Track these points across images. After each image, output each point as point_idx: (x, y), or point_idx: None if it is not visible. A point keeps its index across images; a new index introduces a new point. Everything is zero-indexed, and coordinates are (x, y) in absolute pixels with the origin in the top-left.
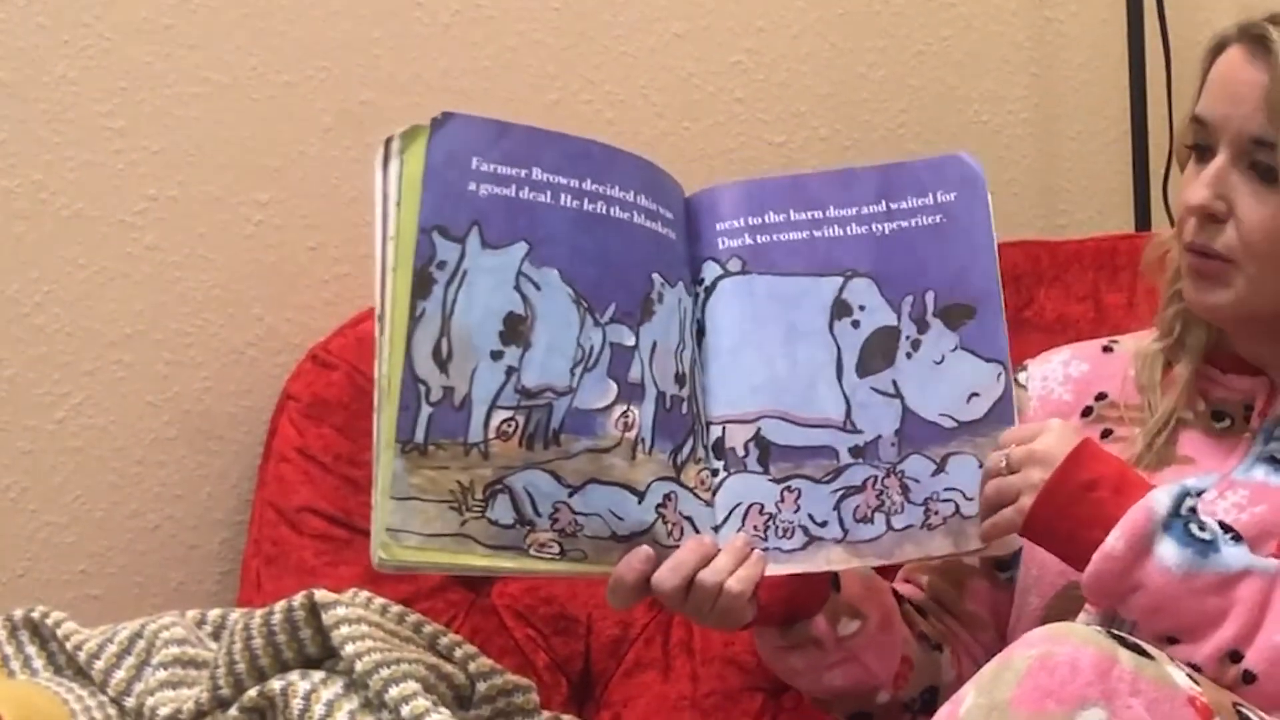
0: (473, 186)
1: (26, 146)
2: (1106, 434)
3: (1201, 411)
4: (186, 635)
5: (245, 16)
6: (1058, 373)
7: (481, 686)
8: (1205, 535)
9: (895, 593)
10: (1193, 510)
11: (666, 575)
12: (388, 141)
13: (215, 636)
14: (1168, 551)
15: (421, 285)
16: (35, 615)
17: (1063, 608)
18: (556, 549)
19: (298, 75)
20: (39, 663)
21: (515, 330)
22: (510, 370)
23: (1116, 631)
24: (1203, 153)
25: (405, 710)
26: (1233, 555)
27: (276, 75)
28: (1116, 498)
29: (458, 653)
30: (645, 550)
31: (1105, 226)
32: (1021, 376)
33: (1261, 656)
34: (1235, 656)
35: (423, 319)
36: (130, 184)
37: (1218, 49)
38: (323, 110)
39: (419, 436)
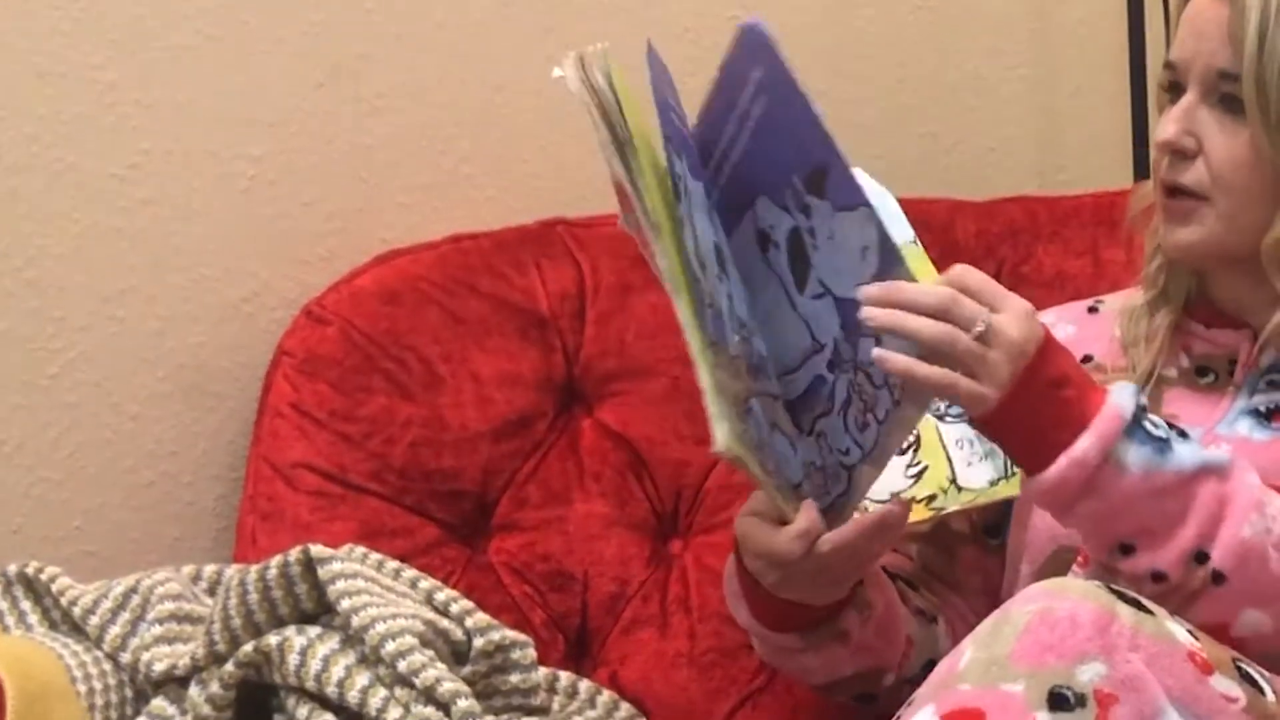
0: (672, 116)
1: (18, 100)
2: None
3: (1185, 368)
4: (182, 591)
5: None
6: None
7: (478, 642)
8: (1160, 433)
9: (886, 571)
10: (1144, 408)
11: (790, 544)
12: (582, 55)
13: (211, 592)
14: (1129, 453)
15: (675, 194)
16: (30, 571)
17: (1053, 571)
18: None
19: (290, 29)
20: (34, 618)
21: (722, 261)
22: (730, 297)
23: (1115, 587)
24: (1175, 94)
25: (402, 665)
26: (1187, 453)
27: (269, 29)
28: (1082, 398)
29: (454, 608)
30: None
31: (1104, 182)
32: None
33: (1228, 553)
34: (1201, 557)
35: (682, 224)
36: (123, 138)
37: None
38: (316, 65)
39: (711, 334)
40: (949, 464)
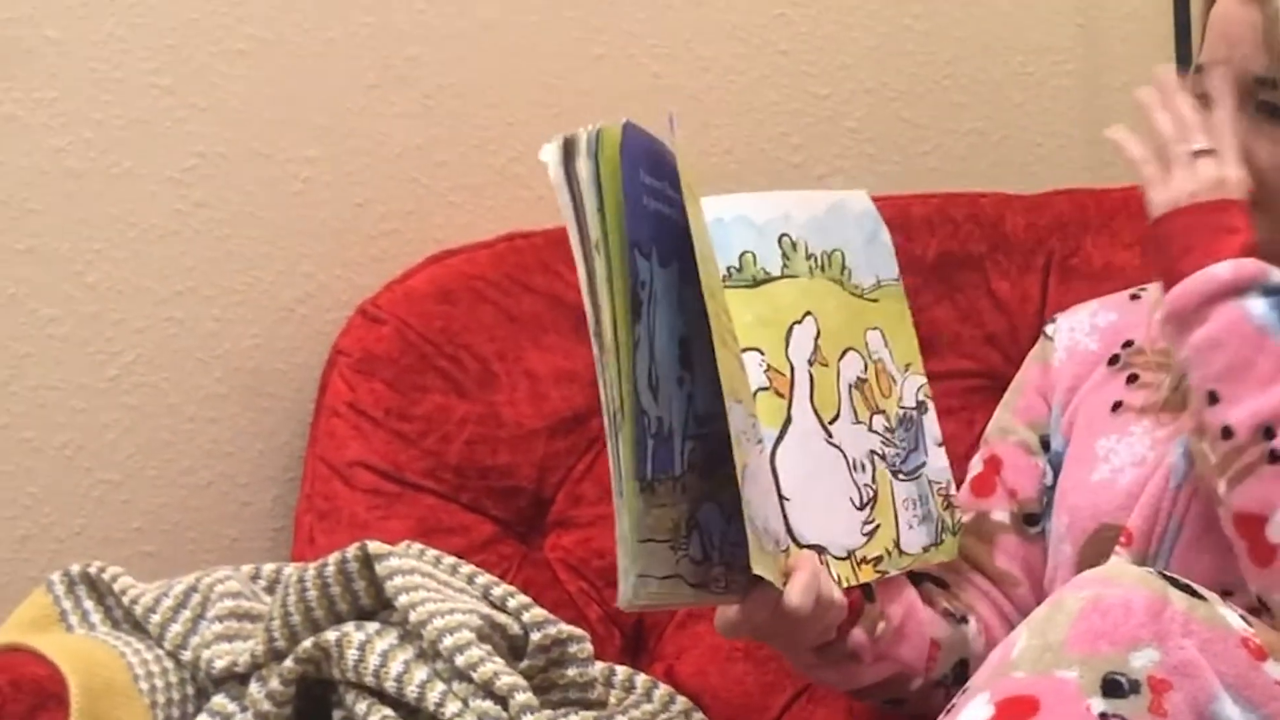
0: (646, 201)
1: (76, 105)
2: (1133, 379)
3: None
4: (241, 589)
5: None
6: (1084, 324)
7: (535, 636)
8: None
9: (912, 574)
10: None
11: (801, 597)
12: (570, 140)
13: (269, 590)
14: (1255, 305)
15: (635, 308)
16: (92, 571)
17: (1096, 550)
18: (723, 584)
19: (342, 31)
20: (96, 617)
21: (688, 355)
22: (690, 396)
23: (1167, 573)
24: (1204, 99)
25: (460, 660)
26: None
27: (322, 31)
28: (1241, 246)
29: (511, 602)
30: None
31: None
32: (1049, 329)
33: None
34: (1269, 433)
35: (639, 345)
36: (178, 141)
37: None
38: (368, 66)
39: (649, 474)
40: (895, 524)
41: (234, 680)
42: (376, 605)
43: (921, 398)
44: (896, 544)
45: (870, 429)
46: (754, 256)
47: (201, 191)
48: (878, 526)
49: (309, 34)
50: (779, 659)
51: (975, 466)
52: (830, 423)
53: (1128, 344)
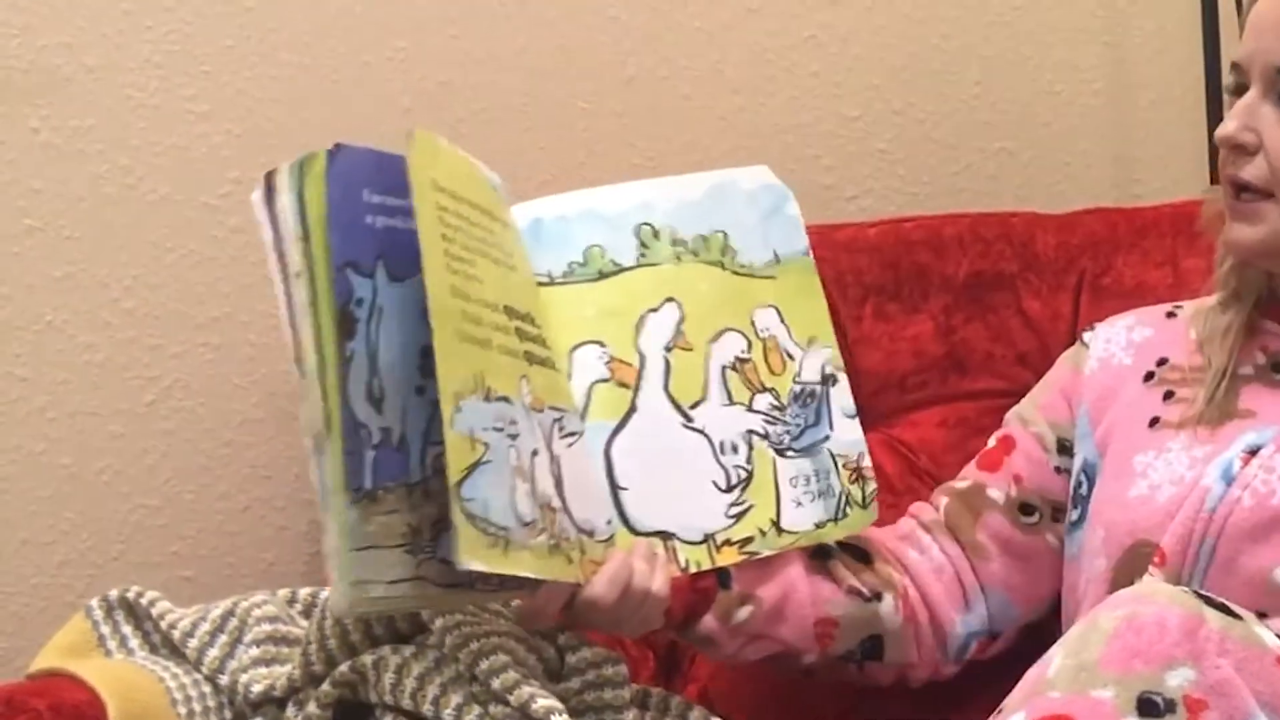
0: (370, 219)
1: (113, 132)
2: (1169, 395)
3: (1261, 365)
4: (278, 613)
5: None
6: (1120, 337)
7: (571, 659)
8: None
9: (825, 548)
10: None
11: (606, 587)
12: (270, 175)
13: (306, 614)
14: None
15: (346, 325)
16: (130, 596)
17: (1131, 566)
18: (496, 581)
19: (376, 56)
20: (135, 642)
21: (430, 363)
22: (434, 403)
23: (1202, 592)
24: (1240, 92)
25: (496, 683)
26: None
27: (356, 56)
28: None
29: None
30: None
31: (1181, 193)
32: (1087, 335)
33: None
34: None
35: (353, 360)
36: (214, 167)
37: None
38: (401, 91)
39: (368, 483)
40: (776, 503)
41: (271, 704)
42: (413, 628)
43: (830, 370)
44: (775, 523)
45: (750, 409)
46: (601, 249)
47: (238, 217)
48: (749, 508)
49: (344, 59)
50: (811, 682)
51: (988, 444)
52: (692, 407)
53: (1162, 361)
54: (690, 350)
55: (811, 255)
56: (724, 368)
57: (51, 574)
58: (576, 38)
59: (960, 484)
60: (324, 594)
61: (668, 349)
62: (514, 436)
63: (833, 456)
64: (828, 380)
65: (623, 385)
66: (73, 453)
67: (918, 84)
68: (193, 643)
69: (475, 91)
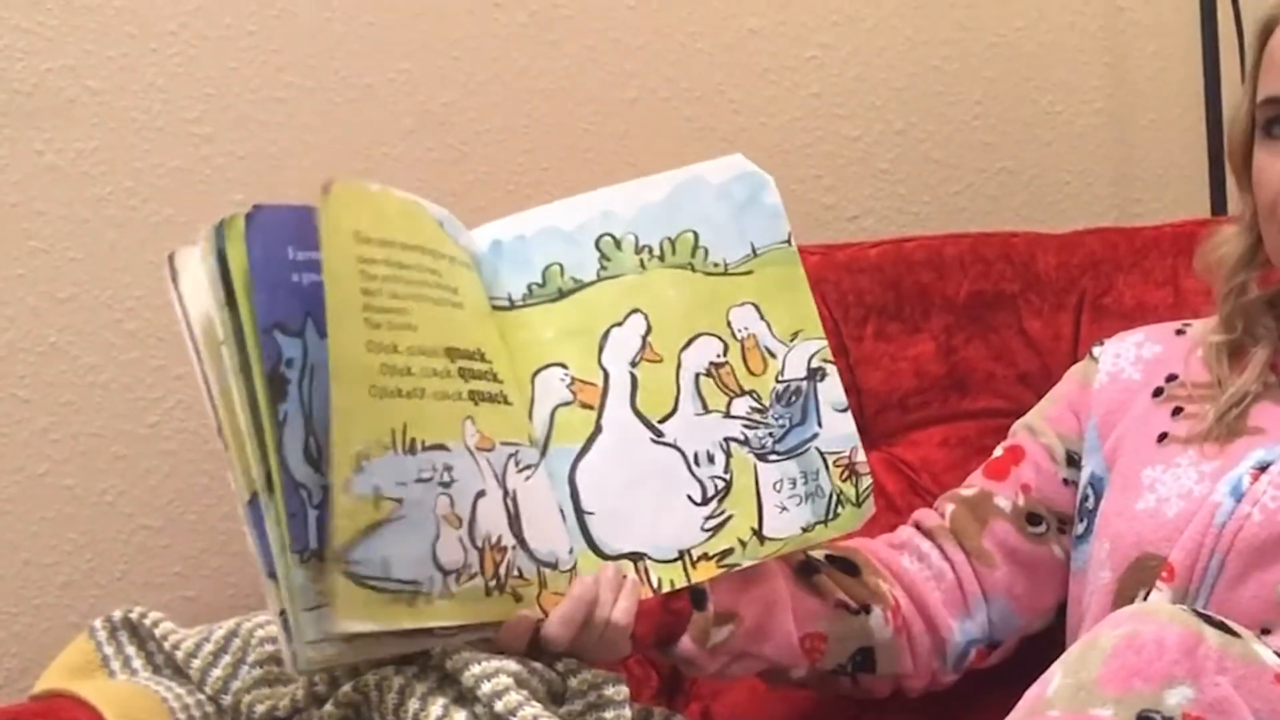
0: (295, 277)
1: (117, 154)
2: (1177, 411)
3: (1272, 383)
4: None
5: (326, 21)
6: (1130, 352)
7: (573, 681)
8: None
9: (810, 563)
10: None
11: (559, 629)
12: (173, 256)
13: None
14: None
15: (277, 387)
16: (133, 616)
17: (1136, 579)
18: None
19: (379, 78)
20: (138, 662)
21: None
22: None
23: (1201, 610)
24: (1274, 129)
25: (499, 704)
26: None
27: (358, 78)
28: None
29: None
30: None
31: (1181, 213)
32: (1096, 350)
33: None
34: None
35: (287, 422)
36: (218, 189)
37: (1267, 30)
38: (404, 112)
39: (313, 543)
40: (758, 511)
41: None
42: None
43: (818, 364)
44: (756, 532)
45: (727, 415)
46: (561, 267)
47: None
48: (728, 518)
49: (346, 81)
50: (815, 699)
51: (995, 453)
52: (662, 421)
53: (1171, 377)
54: (659, 361)
55: (793, 243)
56: (697, 375)
57: (55, 595)
58: (578, 59)
59: (967, 491)
60: None
61: (633, 363)
62: (447, 484)
63: (822, 455)
64: (814, 375)
65: (586, 406)
66: (76, 474)
67: (919, 104)
68: (196, 663)
69: (478, 113)
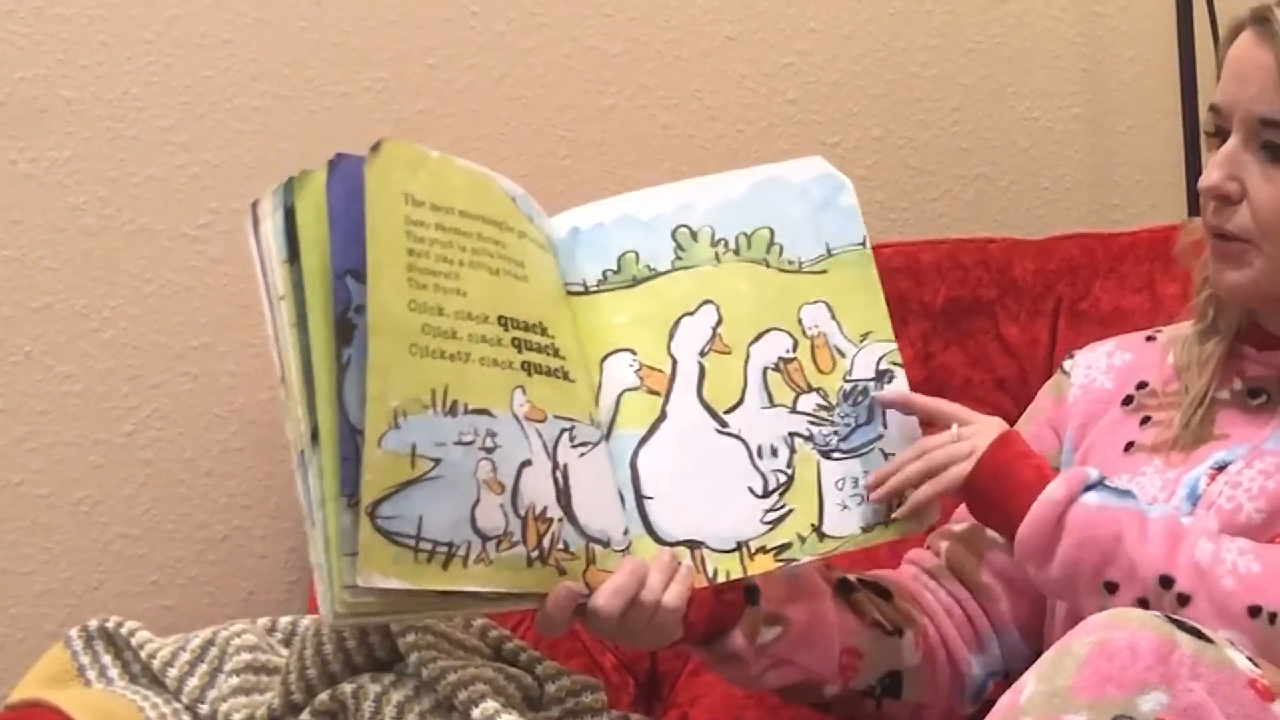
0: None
1: (91, 163)
2: (1145, 420)
3: (1238, 390)
4: (258, 642)
5: (301, 30)
6: (1101, 362)
7: (550, 688)
8: (1123, 488)
9: (848, 581)
10: (1105, 478)
11: (608, 599)
12: (256, 205)
13: (286, 643)
14: (1092, 496)
15: (344, 332)
16: (110, 625)
17: None
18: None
19: (355, 86)
20: (114, 672)
21: None
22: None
23: (1174, 616)
24: (1220, 137)
25: (475, 713)
26: (1148, 504)
27: (334, 86)
28: (1050, 469)
29: (523, 657)
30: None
31: (1158, 218)
32: (1067, 364)
33: (1186, 576)
34: (1166, 581)
35: (350, 366)
36: (193, 197)
37: (1232, 35)
38: (381, 120)
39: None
40: (819, 508)
41: None
42: (392, 657)
43: (886, 366)
44: (816, 528)
45: (793, 410)
46: (636, 255)
47: (217, 247)
48: (788, 513)
49: (322, 90)
50: (791, 706)
51: None
52: (728, 411)
53: (1142, 385)
54: (728, 353)
55: (869, 246)
56: (765, 369)
57: (31, 604)
58: (555, 66)
59: (958, 526)
60: (304, 622)
61: (702, 353)
62: (489, 449)
63: (885, 456)
64: (882, 376)
65: (653, 393)
66: (52, 483)
67: (896, 111)
68: (172, 672)
69: (454, 120)
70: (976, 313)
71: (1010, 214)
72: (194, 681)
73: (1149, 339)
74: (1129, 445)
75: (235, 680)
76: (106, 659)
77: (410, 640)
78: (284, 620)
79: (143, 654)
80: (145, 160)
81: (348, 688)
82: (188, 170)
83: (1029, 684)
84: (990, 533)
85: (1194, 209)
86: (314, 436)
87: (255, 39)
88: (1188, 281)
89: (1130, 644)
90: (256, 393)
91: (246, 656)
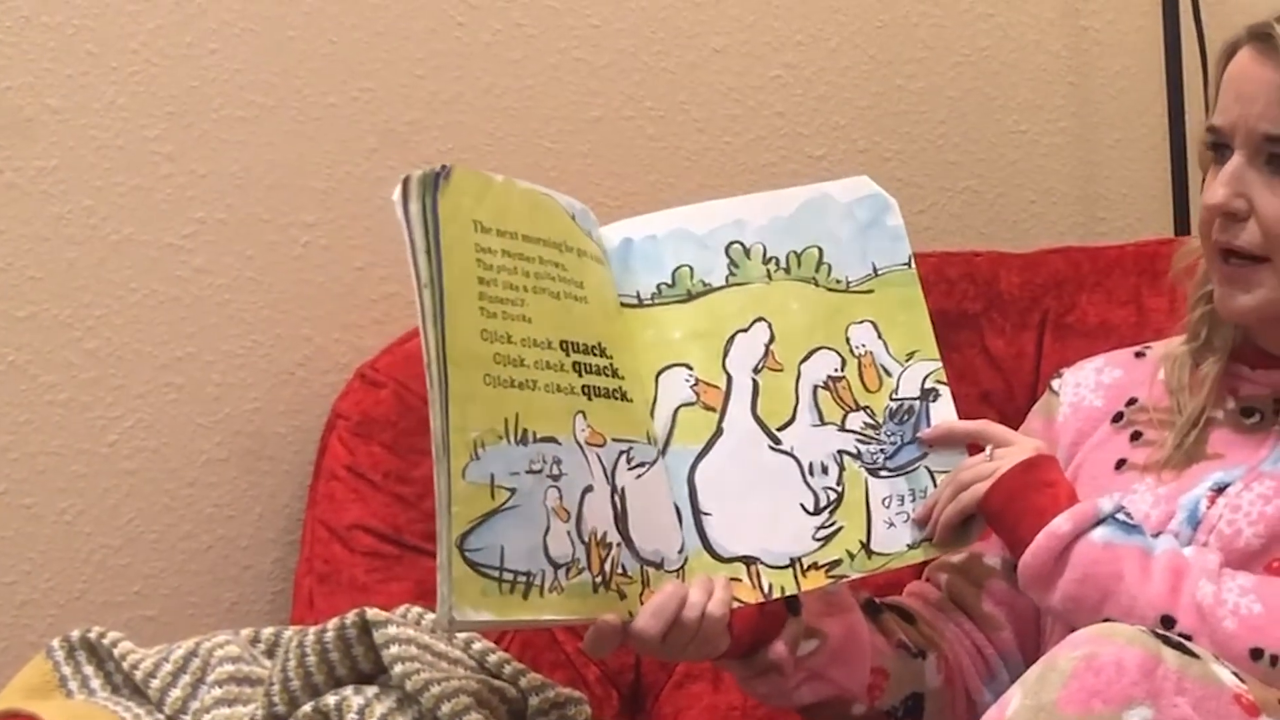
0: None
1: (76, 173)
2: (1136, 436)
3: (1231, 409)
4: (241, 653)
5: (288, 40)
6: (1090, 379)
7: (534, 701)
8: (1132, 523)
9: (874, 603)
10: (1127, 514)
11: (648, 621)
12: (407, 181)
13: (269, 654)
14: (1098, 532)
15: None
16: (92, 636)
17: None
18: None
19: (342, 97)
20: (96, 682)
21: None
22: None
23: (1160, 631)
24: (1221, 154)
25: None
26: (1153, 539)
27: (321, 97)
28: (1068, 497)
29: (506, 669)
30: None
31: (1145, 232)
32: (1055, 383)
33: (1188, 616)
34: (1168, 621)
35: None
36: (179, 208)
37: (1229, 54)
38: (367, 131)
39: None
40: (867, 525)
41: None
42: (376, 669)
43: (931, 384)
44: (865, 545)
45: (842, 428)
46: (691, 270)
47: (202, 257)
48: (838, 530)
49: (309, 100)
50: (777, 717)
51: None
52: (780, 429)
53: (1131, 401)
54: (780, 370)
55: (914, 266)
56: (815, 387)
57: (13, 614)
58: (542, 77)
59: (955, 557)
60: (287, 633)
61: (756, 370)
62: (556, 476)
63: (931, 474)
64: (928, 395)
65: (708, 408)
66: (35, 493)
67: (883, 124)
68: (155, 683)
69: (441, 131)
70: (962, 325)
71: (996, 227)
72: (176, 693)
73: (1138, 355)
74: (1120, 463)
75: (218, 691)
76: (89, 669)
77: (394, 652)
78: (267, 631)
79: (125, 664)
80: (131, 170)
81: (331, 699)
82: (173, 180)
83: (1015, 698)
84: (988, 561)
85: (1181, 223)
86: (445, 439)
87: (242, 49)
88: (1174, 295)
89: (1116, 659)
90: (241, 403)
91: (229, 668)
